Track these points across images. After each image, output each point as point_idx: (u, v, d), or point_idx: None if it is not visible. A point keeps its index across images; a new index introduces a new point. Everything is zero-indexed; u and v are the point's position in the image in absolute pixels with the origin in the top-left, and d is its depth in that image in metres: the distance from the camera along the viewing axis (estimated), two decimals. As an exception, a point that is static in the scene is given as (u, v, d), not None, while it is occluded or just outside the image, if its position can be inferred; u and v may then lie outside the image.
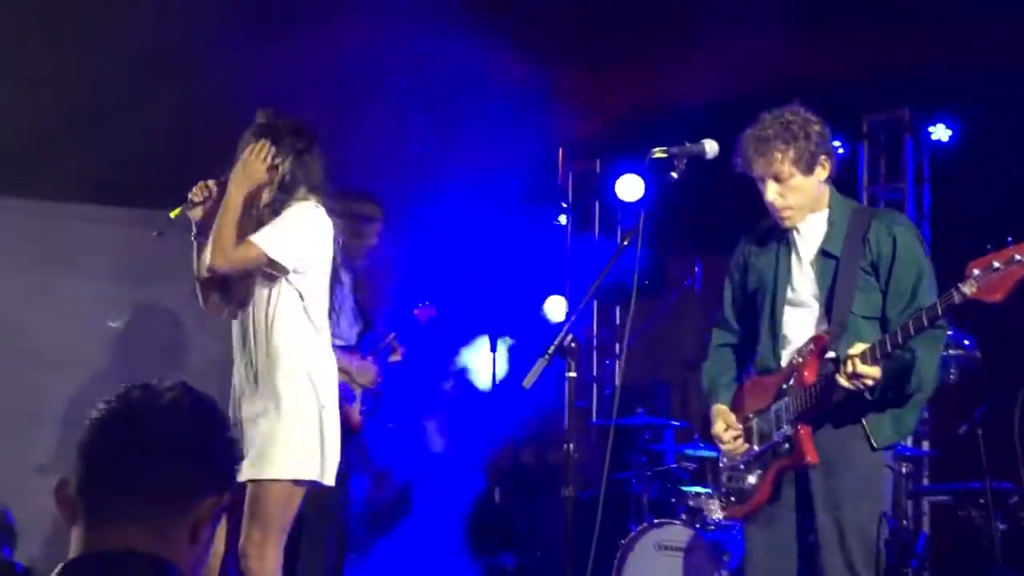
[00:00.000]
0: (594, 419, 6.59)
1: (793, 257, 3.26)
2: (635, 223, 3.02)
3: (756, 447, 3.24)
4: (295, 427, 3.29)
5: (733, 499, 3.31)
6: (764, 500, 3.22)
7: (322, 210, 3.51)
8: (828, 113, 6.30)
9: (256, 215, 3.51)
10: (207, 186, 3.50)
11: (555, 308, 6.10)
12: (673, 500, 5.02)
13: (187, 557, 1.46)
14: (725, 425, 3.30)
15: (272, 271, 3.46)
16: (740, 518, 3.38)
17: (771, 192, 3.16)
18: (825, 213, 3.23)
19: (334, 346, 4.57)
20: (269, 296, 3.46)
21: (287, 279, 3.48)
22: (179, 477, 1.45)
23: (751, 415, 3.29)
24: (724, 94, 6.47)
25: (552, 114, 6.44)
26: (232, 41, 5.41)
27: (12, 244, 5.79)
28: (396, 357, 4.93)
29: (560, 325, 5.68)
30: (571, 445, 3.13)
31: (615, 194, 6.40)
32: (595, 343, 6.47)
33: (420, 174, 6.29)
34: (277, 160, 3.46)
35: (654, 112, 6.53)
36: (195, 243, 3.55)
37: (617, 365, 6.49)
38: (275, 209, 3.48)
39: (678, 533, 4.60)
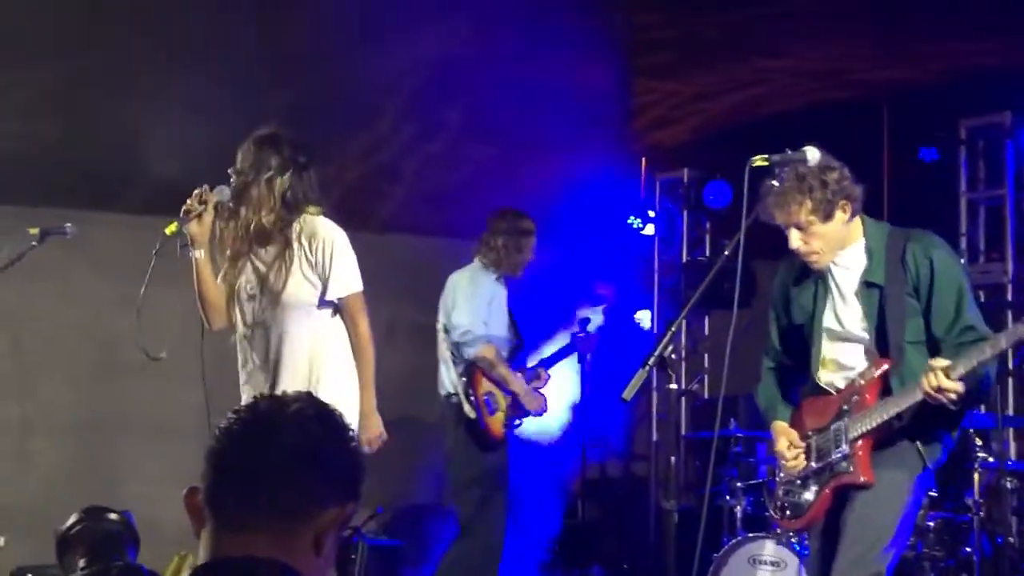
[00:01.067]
0: (684, 432, 6.53)
1: (834, 291, 3.32)
2: (729, 231, 3.14)
3: (814, 464, 3.33)
4: None
5: (788, 512, 3.41)
6: (819, 515, 3.31)
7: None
8: (924, 118, 6.22)
9: (257, 232, 3.50)
10: (201, 196, 3.50)
11: (643, 320, 6.07)
12: (767, 514, 4.95)
13: (311, 567, 1.46)
14: (788, 442, 3.39)
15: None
16: (794, 531, 3.47)
17: (795, 240, 3.26)
18: (861, 243, 3.29)
19: (508, 361, 4.72)
20: (308, 321, 3.50)
21: (333, 304, 3.53)
22: (302, 487, 1.46)
23: (810, 432, 3.37)
24: (816, 100, 6.41)
25: (634, 124, 6.47)
26: (327, 53, 5.53)
27: (106, 256, 5.93)
28: (539, 383, 5.08)
29: (651, 334, 5.67)
30: (674, 457, 3.16)
31: (703, 202, 6.44)
32: (683, 355, 6.48)
33: (500, 185, 6.33)
34: (271, 172, 3.48)
35: (744, 120, 6.51)
36: (192, 258, 3.55)
37: (707, 378, 6.47)
38: (282, 228, 3.49)
39: (773, 548, 4.57)
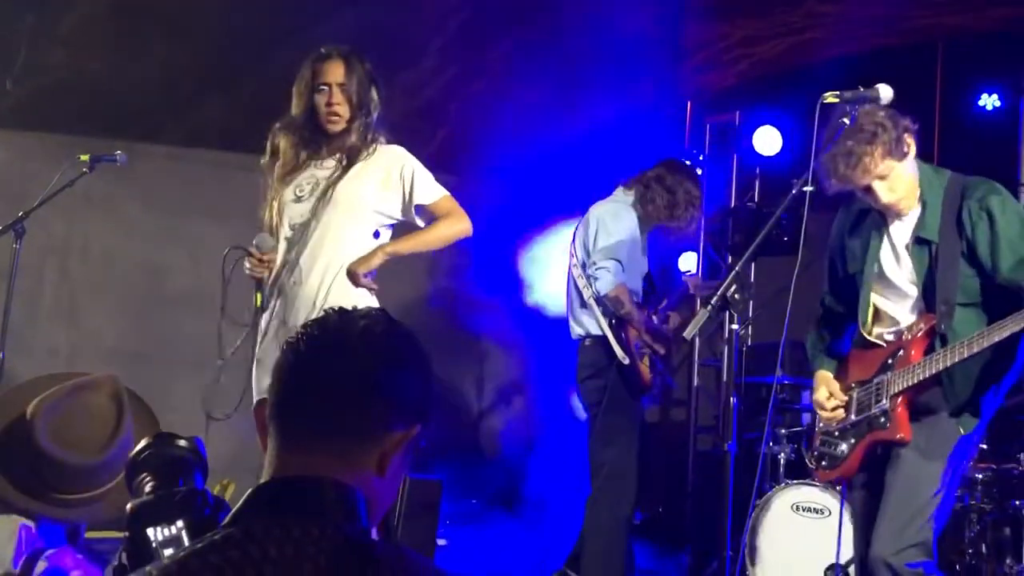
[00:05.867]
0: (725, 378, 6.40)
1: (886, 243, 3.22)
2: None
3: (853, 416, 3.27)
4: None
5: (824, 463, 3.36)
6: (853, 469, 3.25)
7: None
8: (984, 65, 5.98)
9: (335, 150, 3.48)
10: (264, 261, 3.46)
11: (689, 265, 6.01)
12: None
13: (374, 487, 1.41)
14: (828, 393, 3.33)
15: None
16: (830, 481, 3.44)
17: (884, 193, 3.09)
18: (916, 193, 3.16)
19: (636, 303, 4.53)
20: (353, 227, 3.48)
21: (387, 226, 3.54)
22: (369, 407, 1.40)
23: (853, 385, 3.31)
24: (870, 43, 6.20)
25: (681, 67, 6.33)
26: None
27: (152, 188, 5.91)
28: (695, 286, 4.98)
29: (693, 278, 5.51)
30: (733, 399, 3.10)
31: (752, 146, 6.26)
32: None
33: (539, 131, 6.21)
34: (376, 109, 3.48)
35: (794, 65, 6.36)
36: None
37: (749, 328, 6.35)
38: (358, 148, 3.46)
39: (816, 495, 4.47)
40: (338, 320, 1.45)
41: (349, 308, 1.46)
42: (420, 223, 3.57)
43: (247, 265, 3.45)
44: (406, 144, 3.61)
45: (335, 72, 3.45)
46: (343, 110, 3.45)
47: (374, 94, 3.49)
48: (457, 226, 3.53)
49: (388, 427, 1.42)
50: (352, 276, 3.43)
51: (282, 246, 3.51)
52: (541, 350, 6.25)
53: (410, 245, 3.53)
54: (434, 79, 6.15)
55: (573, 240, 4.73)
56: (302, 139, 3.51)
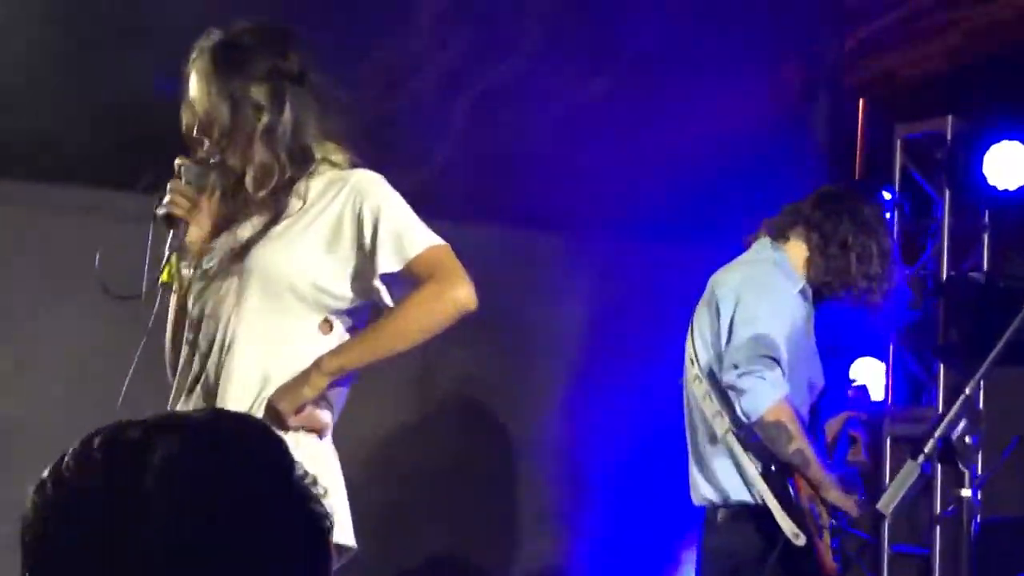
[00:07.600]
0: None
1: None
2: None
3: None
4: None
5: None
6: None
7: None
8: None
9: (244, 203, 3.42)
10: (182, 192, 3.42)
11: (869, 376, 5.44)
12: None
13: None
14: None
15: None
16: None
17: None
18: None
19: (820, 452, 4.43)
20: (286, 319, 3.38)
21: (344, 313, 3.47)
22: None
23: None
24: None
25: (844, 41, 6.18)
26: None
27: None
28: (857, 455, 4.66)
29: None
30: None
31: (982, 175, 5.72)
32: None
33: (618, 143, 5.92)
34: (262, 114, 3.40)
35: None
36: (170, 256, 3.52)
37: (978, 494, 5.82)
38: (281, 189, 3.38)
39: None
40: (113, 445, 1.33)
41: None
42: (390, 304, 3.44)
43: (165, 199, 3.40)
44: (389, 165, 3.47)
45: (196, 79, 3.49)
46: (201, 136, 3.41)
47: (256, 90, 3.37)
48: (446, 295, 3.33)
49: None
50: (276, 418, 3.25)
51: (184, 352, 3.47)
52: (633, 493, 5.73)
53: (368, 349, 3.39)
54: (435, 56, 5.81)
55: (690, 335, 4.42)
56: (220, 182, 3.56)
